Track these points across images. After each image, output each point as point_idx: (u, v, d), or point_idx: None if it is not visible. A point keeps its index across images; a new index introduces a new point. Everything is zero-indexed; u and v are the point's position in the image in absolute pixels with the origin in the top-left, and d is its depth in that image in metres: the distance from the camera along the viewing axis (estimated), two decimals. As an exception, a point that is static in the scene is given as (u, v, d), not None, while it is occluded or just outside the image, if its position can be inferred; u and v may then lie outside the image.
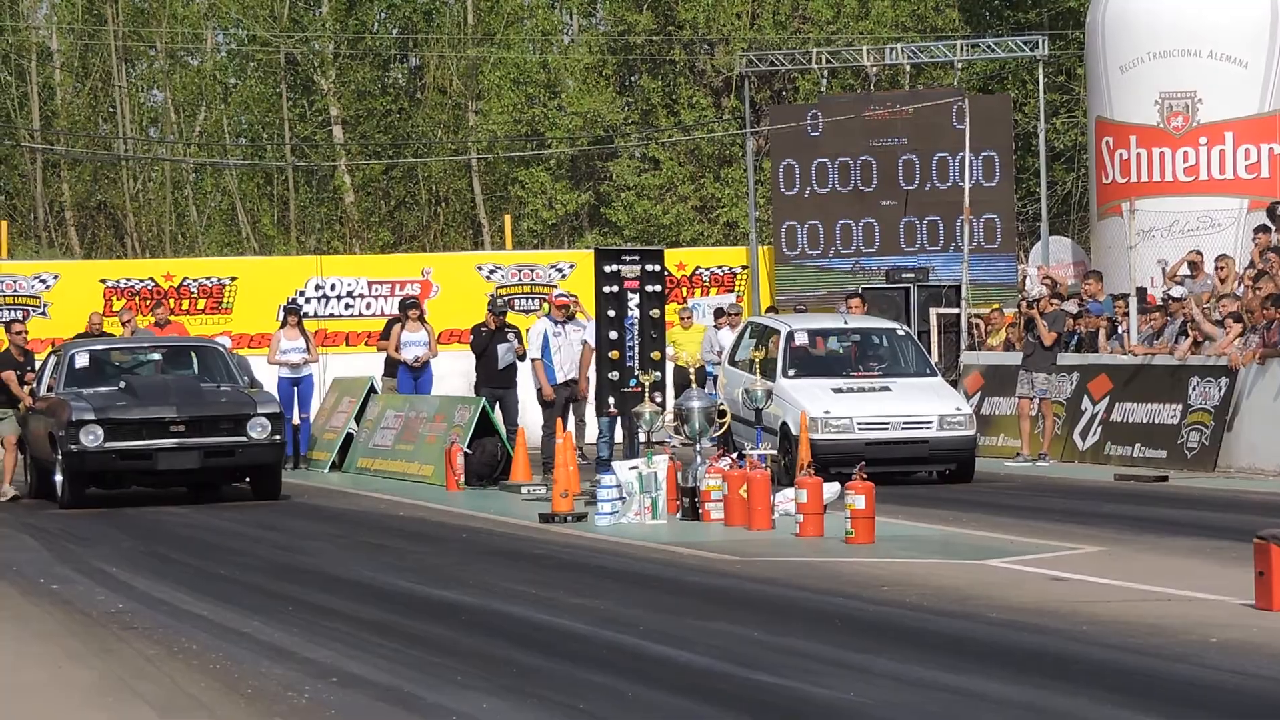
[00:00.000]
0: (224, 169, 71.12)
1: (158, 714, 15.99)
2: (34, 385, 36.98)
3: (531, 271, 50.91)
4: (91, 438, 33.58)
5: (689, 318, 46.27)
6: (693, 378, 37.01)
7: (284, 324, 44.11)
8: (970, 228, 47.97)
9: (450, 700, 16.29)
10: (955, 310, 46.37)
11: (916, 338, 41.33)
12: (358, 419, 42.60)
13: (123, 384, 35.99)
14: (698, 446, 30.47)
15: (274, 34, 69.92)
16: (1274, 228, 41.17)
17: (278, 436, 35.89)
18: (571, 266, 50.32)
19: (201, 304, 48.88)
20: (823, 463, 31.45)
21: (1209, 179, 43.64)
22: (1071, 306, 42.85)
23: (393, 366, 44.13)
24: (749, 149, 55.04)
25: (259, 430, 34.94)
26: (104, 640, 20.31)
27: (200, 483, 35.08)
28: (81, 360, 36.79)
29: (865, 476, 26.94)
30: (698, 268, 52.20)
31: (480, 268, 50.74)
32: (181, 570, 25.95)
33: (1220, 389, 37.72)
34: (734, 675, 17.19)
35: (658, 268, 42.17)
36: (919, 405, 36.55)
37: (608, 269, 40.85)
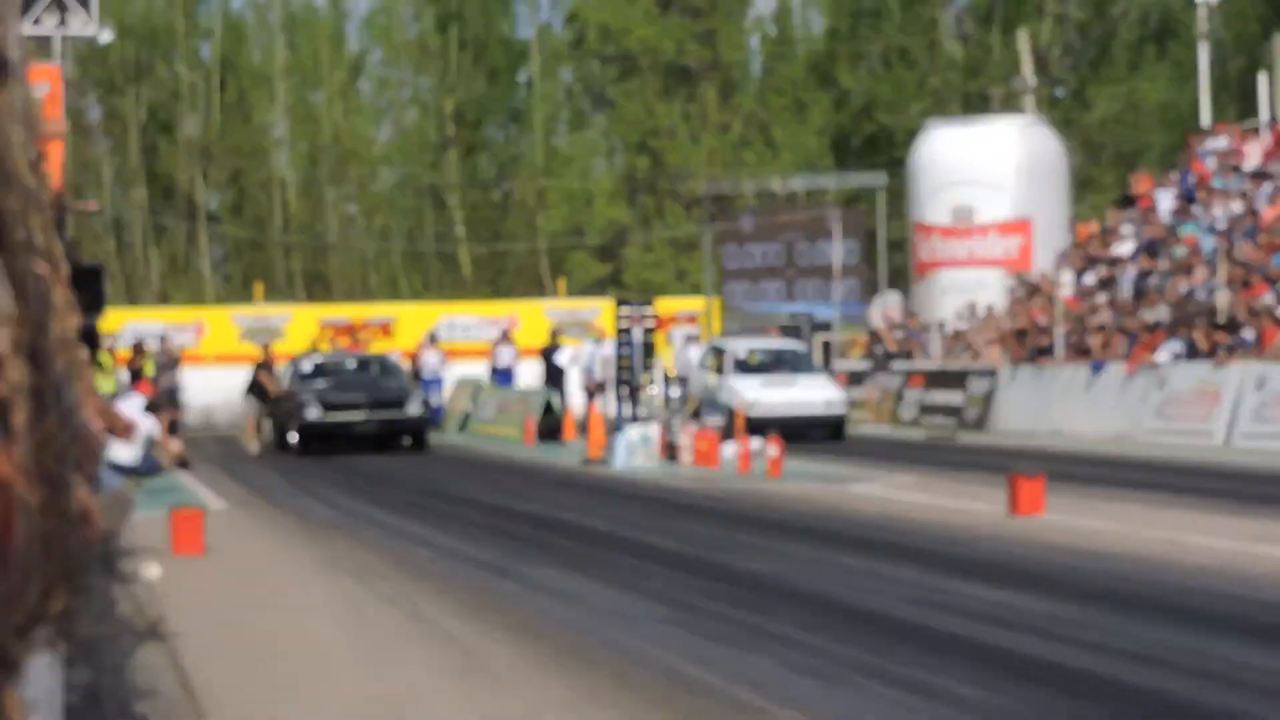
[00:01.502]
0: (391, 252, 71.02)
1: (354, 580, 16.05)
2: (279, 382, 37.76)
3: (577, 313, 50.86)
4: (314, 413, 35.39)
5: (671, 342, 46.27)
6: (673, 378, 37.43)
7: (427, 345, 44.12)
8: (839, 287, 47.97)
9: (527, 570, 16.42)
10: (831, 336, 46.35)
11: (808, 352, 41.49)
12: (473, 402, 42.60)
13: (332, 381, 37.25)
14: (676, 418, 30.71)
15: (422, 170, 70.01)
16: (1019, 287, 41.19)
17: (425, 413, 36.71)
18: (600, 311, 50.30)
19: (378, 333, 48.85)
20: (753, 428, 31.23)
21: (981, 258, 43.57)
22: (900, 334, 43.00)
23: (493, 372, 44.26)
24: (707, 239, 55.02)
25: (414, 408, 36.01)
26: (319, 535, 20.36)
27: (378, 441, 35.41)
28: (307, 368, 38.24)
29: (777, 437, 27.12)
30: (676, 311, 52.24)
31: (546, 311, 50.70)
32: (366, 493, 25.97)
33: (988, 383, 37.80)
34: (698, 555, 17.33)
35: (652, 311, 42.31)
36: (812, 393, 36.73)
37: (622, 312, 41.11)
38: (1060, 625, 12.54)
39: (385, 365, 39.96)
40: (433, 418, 40.72)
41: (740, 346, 39.74)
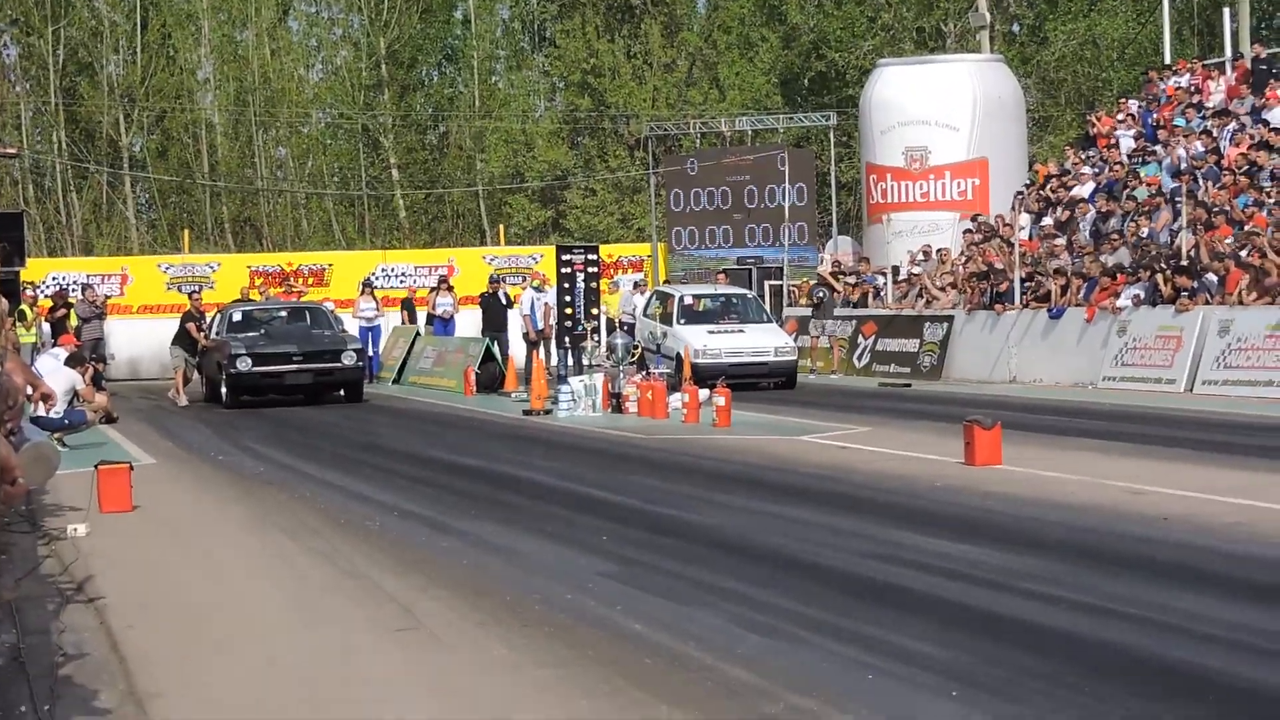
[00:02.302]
0: (324, 197, 70.75)
1: (287, 537, 16.07)
2: (207, 332, 37.45)
3: (517, 260, 50.84)
4: (244, 364, 34.53)
5: (614, 288, 46.12)
6: (617, 325, 37.50)
7: (362, 293, 43.99)
8: (788, 231, 48.01)
9: (467, 526, 16.47)
10: (780, 282, 46.40)
11: (758, 299, 41.57)
12: (409, 352, 42.47)
13: (263, 331, 36.56)
14: (621, 368, 30.64)
15: (355, 112, 69.68)
16: (975, 230, 41.29)
17: (360, 364, 36.51)
18: (541, 257, 50.28)
19: (310, 281, 48.77)
20: (700, 377, 31.68)
21: (935, 200, 43.68)
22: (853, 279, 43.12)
23: (430, 319, 44.15)
24: (652, 183, 54.98)
25: (348, 359, 35.63)
26: (250, 490, 20.34)
27: (311, 393, 35.52)
28: (237, 316, 37.38)
29: (726, 385, 27.19)
30: (620, 257, 52.28)
31: (485, 257, 50.64)
32: (299, 446, 25.92)
33: (943, 329, 37.91)
34: (642, 509, 17.37)
35: (595, 257, 42.46)
36: (761, 341, 36.68)
37: (564, 258, 41.26)
38: (1017, 577, 12.63)
39: (317, 315, 38.96)
40: (368, 368, 40.69)
41: (687, 293, 39.36)
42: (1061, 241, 37.62)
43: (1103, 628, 10.72)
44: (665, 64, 69.84)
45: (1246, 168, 35.10)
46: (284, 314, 38.94)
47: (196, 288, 44.66)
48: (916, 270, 41.38)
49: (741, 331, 36.67)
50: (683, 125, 57.65)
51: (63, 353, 30.56)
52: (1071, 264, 35.67)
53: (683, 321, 37.18)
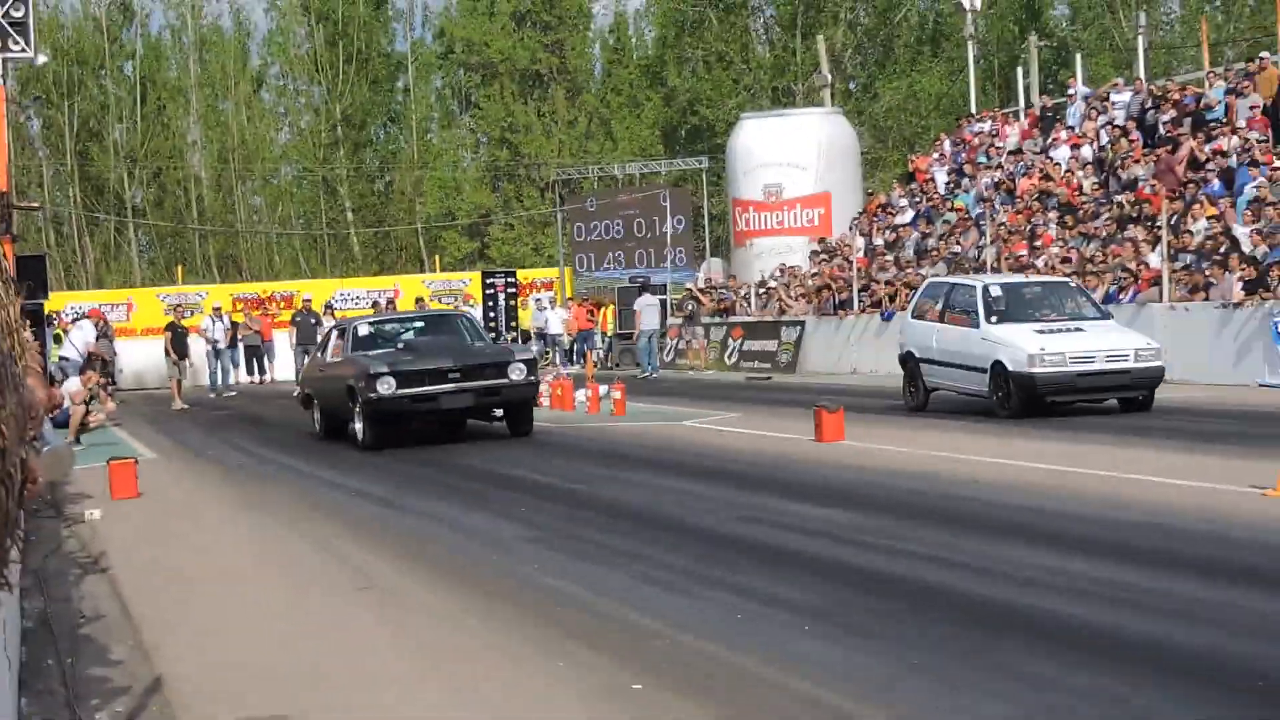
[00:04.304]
0: (292, 236, 70.47)
1: (269, 517, 15.96)
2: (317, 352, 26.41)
3: (450, 284, 50.57)
4: (387, 386, 21.61)
5: (526, 305, 46.11)
6: (533, 336, 37.29)
7: (327, 313, 43.60)
8: (670, 255, 48.03)
9: (417, 503, 16.44)
10: (664, 297, 46.38)
11: (1081, 287, 27.23)
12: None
13: (400, 346, 23.82)
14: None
15: (316, 166, 69.58)
16: (821, 251, 41.42)
17: (534, 378, 23.57)
18: (469, 281, 50.08)
19: (282, 304, 48.36)
20: (1038, 394, 21.94)
21: (789, 227, 43.74)
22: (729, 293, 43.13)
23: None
24: (559, 218, 54.86)
25: (517, 373, 22.45)
26: (238, 480, 20.20)
27: (470, 418, 23.97)
28: (363, 331, 24.46)
29: (621, 382, 26.91)
30: (534, 279, 52.16)
31: (425, 282, 50.33)
32: (278, 442, 25.64)
33: (797, 332, 38.00)
34: (560, 487, 17.28)
35: (513, 279, 42.35)
36: (1113, 342, 22.57)
37: (488, 281, 41.05)
38: (862, 533, 12.65)
39: (462, 323, 25.90)
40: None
41: (991, 283, 24.90)
42: (890, 258, 37.78)
43: (934, 573, 10.74)
44: (569, 121, 70.07)
45: (1037, 195, 35.34)
46: (420, 324, 25.84)
47: (189, 313, 44.47)
48: (773, 284, 41.45)
49: (1080, 330, 22.75)
50: (583, 170, 57.64)
51: (89, 325, 30.64)
52: (898, 276, 35.82)
53: (993, 320, 23.20)
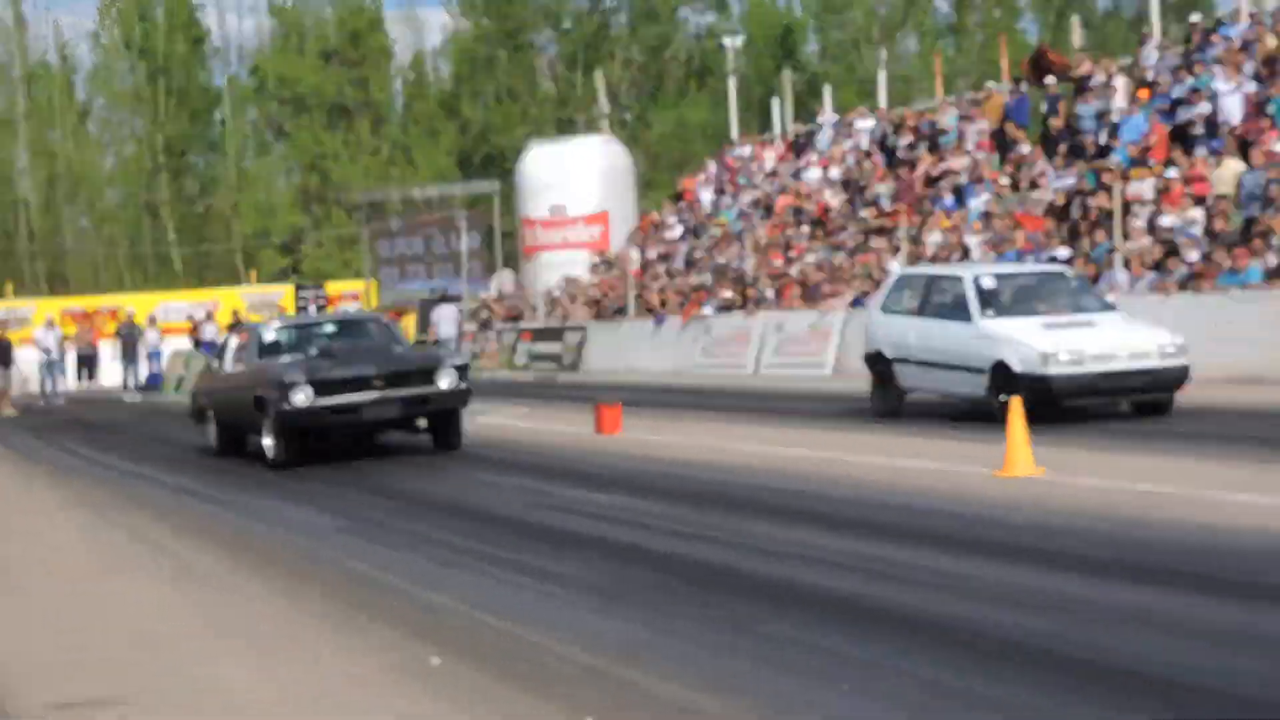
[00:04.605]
0: (118, 255, 69.08)
1: (92, 513, 15.52)
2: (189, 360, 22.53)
3: (265, 296, 49.80)
4: (302, 396, 17.68)
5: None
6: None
7: (149, 325, 42.65)
8: (466, 269, 47.80)
9: (235, 497, 16.02)
10: (461, 306, 46.02)
11: (1084, 279, 24.10)
12: (185, 369, 41.15)
13: (316, 351, 19.34)
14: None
15: (140, 190, 68.35)
16: (601, 263, 41.50)
17: (465, 385, 18.95)
18: (283, 294, 49.44)
19: (109, 318, 47.14)
20: (1053, 398, 17.10)
21: (572, 243, 43.64)
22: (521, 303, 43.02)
23: (197, 344, 42.72)
24: (365, 236, 54.25)
25: (446, 381, 18.54)
26: (63, 480, 19.63)
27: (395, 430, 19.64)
28: (270, 336, 20.04)
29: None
30: (343, 292, 51.61)
31: (242, 295, 49.49)
32: (103, 443, 25.00)
33: (580, 335, 37.98)
34: (367, 480, 16.96)
35: (323, 292, 41.78)
36: (1132, 339, 17.51)
37: (301, 293, 40.47)
38: (645, 517, 12.63)
39: (379, 327, 21.38)
40: (152, 383, 39.58)
41: (980, 273, 19.45)
42: (662, 269, 37.94)
43: (701, 550, 10.75)
44: (373, 149, 69.56)
45: (791, 211, 35.71)
46: (332, 328, 21.12)
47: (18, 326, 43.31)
48: (558, 294, 41.38)
49: (1091, 325, 17.95)
50: (387, 193, 57.13)
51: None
52: (669, 285, 35.99)
53: (990, 314, 18.22)
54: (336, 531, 13.04)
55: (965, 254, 27.25)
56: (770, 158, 40.80)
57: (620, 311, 37.13)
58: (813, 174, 36.96)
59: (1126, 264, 23.36)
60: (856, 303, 28.65)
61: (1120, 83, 28.54)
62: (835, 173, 36.18)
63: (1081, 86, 29.55)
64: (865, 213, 32.50)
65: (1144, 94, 27.41)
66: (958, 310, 18.51)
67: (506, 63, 68.44)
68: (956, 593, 8.70)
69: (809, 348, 29.70)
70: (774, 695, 6.87)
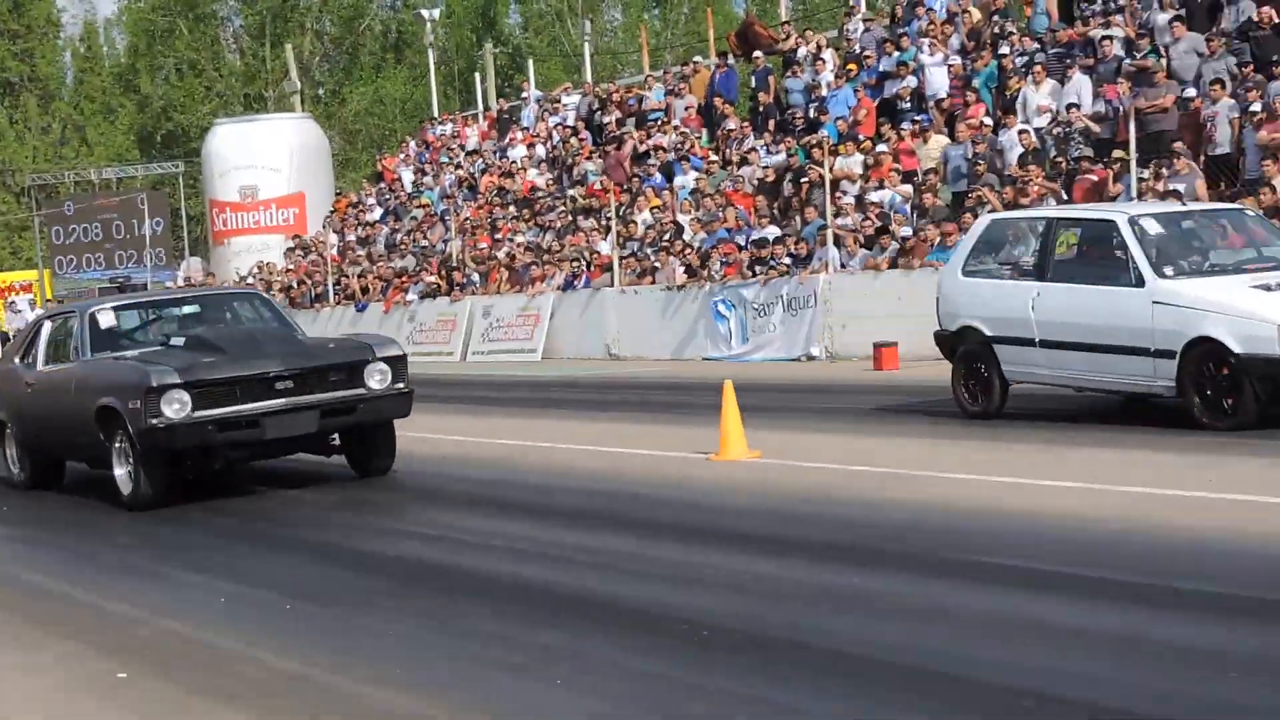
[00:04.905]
0: None
1: None
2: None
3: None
4: (177, 406, 12.61)
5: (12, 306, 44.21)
6: (11, 339, 35.36)
7: None
8: (150, 255, 46.78)
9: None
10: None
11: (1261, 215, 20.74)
12: None
13: (181, 342, 14.10)
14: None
15: None
16: (296, 248, 40.98)
17: (407, 388, 13.79)
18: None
19: None
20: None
21: (265, 226, 43.27)
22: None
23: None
24: (36, 222, 52.72)
25: (377, 380, 13.67)
26: None
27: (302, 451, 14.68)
28: (107, 320, 14.49)
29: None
30: (13, 282, 50.04)
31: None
32: None
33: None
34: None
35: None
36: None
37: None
38: (343, 515, 12.54)
39: (256, 303, 15.80)
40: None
41: (1148, 212, 13.91)
42: (362, 253, 37.64)
43: (414, 549, 10.75)
44: (43, 128, 67.40)
45: (496, 191, 35.78)
46: (194, 307, 15.46)
47: None
48: (251, 280, 40.68)
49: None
50: (59, 176, 55.48)
51: None
52: (369, 269, 35.74)
53: (1168, 271, 13.05)
54: (6, 542, 12.67)
55: (678, 232, 27.66)
56: (473, 135, 40.78)
57: (319, 299, 36.70)
58: (518, 152, 37.07)
59: (838, 241, 23.99)
60: (567, 285, 28.87)
61: (829, 56, 29.27)
62: (541, 150, 36.35)
63: (789, 60, 30.23)
64: (573, 191, 32.73)
65: (853, 68, 28.17)
66: (1111, 268, 13.49)
67: (188, 34, 67.00)
68: (659, 579, 8.85)
69: (518, 333, 29.83)
70: (489, 694, 6.90)
